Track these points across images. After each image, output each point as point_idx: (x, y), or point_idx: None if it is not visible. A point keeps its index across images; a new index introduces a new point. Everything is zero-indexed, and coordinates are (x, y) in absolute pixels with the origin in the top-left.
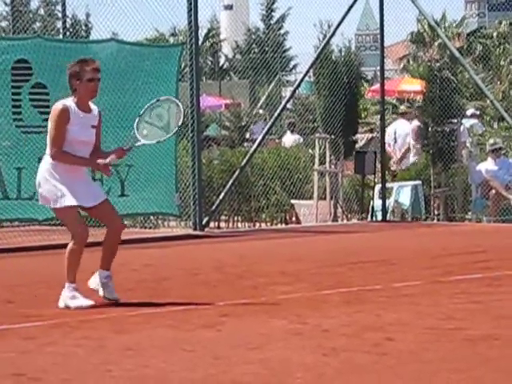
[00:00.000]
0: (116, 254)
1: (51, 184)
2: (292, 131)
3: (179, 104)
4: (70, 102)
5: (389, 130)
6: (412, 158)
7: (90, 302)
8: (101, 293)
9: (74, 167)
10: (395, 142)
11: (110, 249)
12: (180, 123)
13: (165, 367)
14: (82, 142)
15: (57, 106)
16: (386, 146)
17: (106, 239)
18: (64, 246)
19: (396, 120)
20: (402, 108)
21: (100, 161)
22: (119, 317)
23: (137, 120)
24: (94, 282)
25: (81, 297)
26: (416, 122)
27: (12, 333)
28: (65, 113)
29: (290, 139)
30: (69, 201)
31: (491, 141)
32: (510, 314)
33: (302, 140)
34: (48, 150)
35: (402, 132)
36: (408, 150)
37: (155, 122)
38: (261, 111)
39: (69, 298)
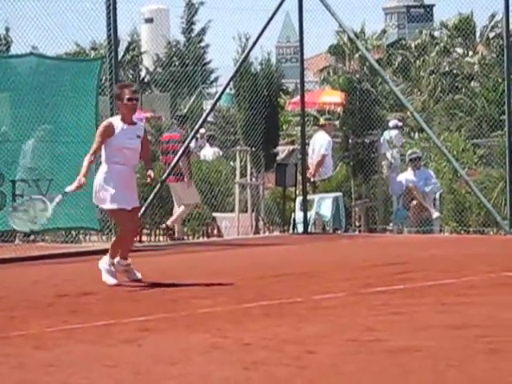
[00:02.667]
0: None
1: (106, 188)
2: (211, 144)
3: (47, 204)
4: (116, 119)
5: (310, 142)
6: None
7: (114, 281)
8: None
9: (124, 174)
10: (313, 153)
11: (129, 246)
12: (46, 217)
13: (86, 383)
14: (127, 148)
15: (103, 123)
16: (308, 157)
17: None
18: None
19: (316, 132)
20: (322, 120)
21: (79, 181)
22: (39, 333)
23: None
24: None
25: (114, 273)
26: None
27: None
28: (108, 128)
29: (209, 152)
30: (117, 203)
31: (409, 151)
32: (430, 325)
33: (221, 153)
34: (102, 158)
35: (318, 144)
36: (321, 162)
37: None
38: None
39: (105, 268)
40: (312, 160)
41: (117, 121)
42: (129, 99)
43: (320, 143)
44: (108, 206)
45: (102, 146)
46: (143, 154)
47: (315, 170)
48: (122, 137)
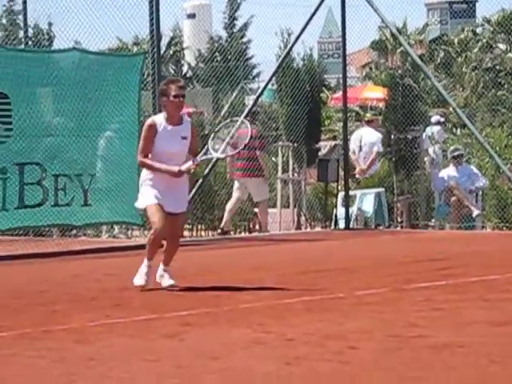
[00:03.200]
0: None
1: (144, 188)
2: None
3: (248, 126)
4: (159, 117)
5: (354, 137)
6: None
7: (142, 283)
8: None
9: (168, 178)
10: (360, 149)
11: (170, 254)
12: (247, 141)
13: (127, 377)
14: (170, 153)
15: (147, 122)
16: (351, 153)
17: (166, 248)
18: (27, 255)
19: (361, 127)
20: (368, 115)
21: (173, 168)
22: (80, 327)
23: (212, 135)
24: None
25: (143, 275)
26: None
27: None
28: (151, 128)
29: None
30: (150, 200)
31: (452, 148)
32: (473, 321)
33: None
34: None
35: (367, 140)
36: (375, 159)
37: (226, 139)
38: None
39: (140, 268)
40: (356, 156)
41: (161, 119)
42: (175, 96)
43: (370, 140)
44: (140, 203)
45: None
46: (190, 150)
47: (369, 167)
48: (165, 139)
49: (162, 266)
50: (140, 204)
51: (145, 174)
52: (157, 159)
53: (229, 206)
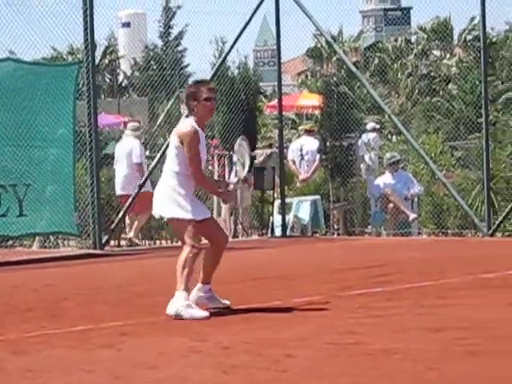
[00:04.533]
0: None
1: (174, 199)
2: None
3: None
4: (193, 122)
5: (293, 147)
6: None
7: (206, 314)
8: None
9: (192, 185)
10: (302, 158)
11: (214, 262)
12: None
13: None
14: (203, 161)
15: (187, 130)
16: (290, 163)
17: (209, 253)
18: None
19: (300, 137)
20: (308, 125)
21: (223, 189)
22: (17, 338)
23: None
24: (196, 295)
25: (196, 307)
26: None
27: None
28: (197, 134)
29: None
30: (193, 215)
31: (388, 155)
32: (409, 327)
33: None
34: (175, 168)
35: (309, 149)
36: (318, 166)
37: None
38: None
39: (184, 306)
40: (297, 165)
41: (195, 125)
42: (207, 99)
43: (312, 148)
44: (184, 215)
45: (174, 154)
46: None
47: (312, 174)
48: (202, 146)
49: (203, 286)
50: (183, 215)
51: (173, 185)
52: (188, 167)
53: None
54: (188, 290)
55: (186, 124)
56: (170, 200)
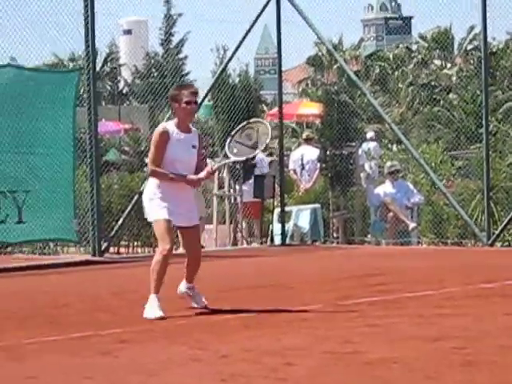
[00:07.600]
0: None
1: (153, 201)
2: None
3: (267, 125)
4: (170, 124)
5: (294, 157)
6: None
7: (161, 314)
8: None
9: (177, 186)
10: (302, 167)
11: (192, 269)
12: (268, 141)
13: None
14: (182, 161)
15: (157, 129)
16: (291, 172)
17: (188, 263)
18: None
19: (300, 146)
20: (307, 134)
21: (192, 176)
22: (15, 344)
23: (228, 140)
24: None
25: (157, 307)
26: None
27: None
28: (163, 134)
29: None
30: (160, 214)
31: (388, 163)
32: (408, 336)
33: None
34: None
35: (310, 158)
36: (319, 174)
37: (245, 142)
38: None
39: (148, 306)
40: (298, 175)
41: (172, 126)
42: (187, 102)
43: (313, 157)
44: (150, 217)
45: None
46: (196, 163)
47: (314, 183)
48: (175, 147)
49: (186, 284)
50: (150, 218)
51: (152, 186)
52: (167, 169)
53: None
54: (157, 292)
55: (163, 124)
56: (147, 203)
